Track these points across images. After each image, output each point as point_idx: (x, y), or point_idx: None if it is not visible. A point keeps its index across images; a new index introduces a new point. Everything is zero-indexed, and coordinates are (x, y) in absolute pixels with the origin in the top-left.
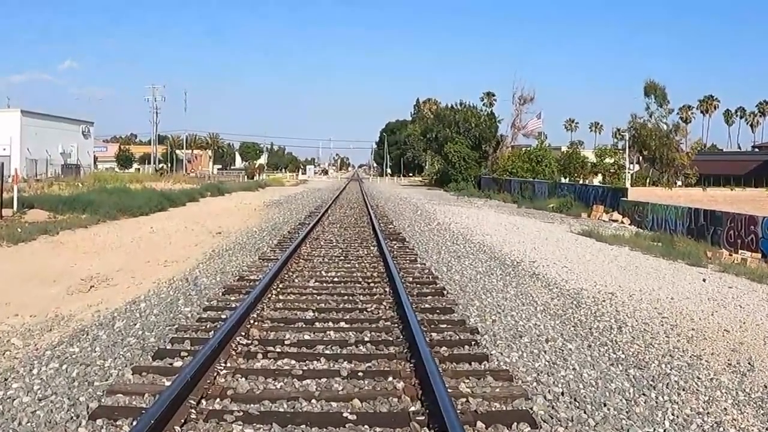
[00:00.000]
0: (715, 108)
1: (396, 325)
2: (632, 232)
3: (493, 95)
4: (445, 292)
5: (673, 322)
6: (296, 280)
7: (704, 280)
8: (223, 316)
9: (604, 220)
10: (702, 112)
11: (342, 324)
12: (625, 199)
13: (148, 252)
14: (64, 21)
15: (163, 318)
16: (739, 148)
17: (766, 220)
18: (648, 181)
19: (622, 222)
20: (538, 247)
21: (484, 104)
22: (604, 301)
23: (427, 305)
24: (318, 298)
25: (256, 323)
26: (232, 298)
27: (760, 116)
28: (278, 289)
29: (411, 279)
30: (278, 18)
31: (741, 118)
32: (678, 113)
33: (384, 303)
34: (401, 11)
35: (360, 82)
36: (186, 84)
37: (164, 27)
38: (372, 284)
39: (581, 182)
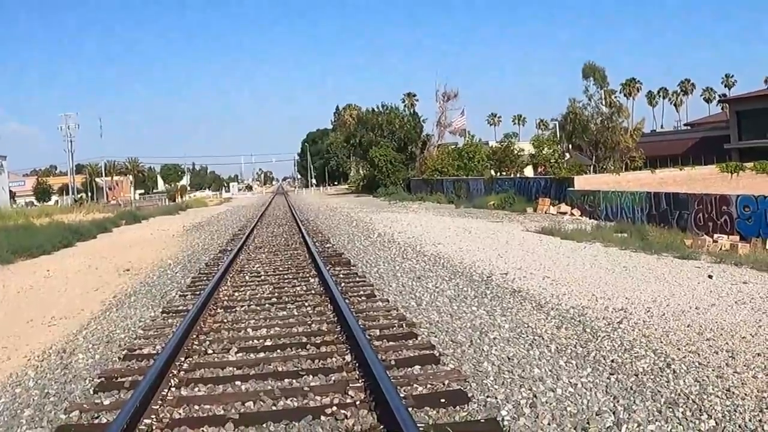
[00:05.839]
0: (638, 90)
1: None
2: (592, 225)
3: (414, 95)
4: (437, 354)
5: (725, 345)
6: (210, 351)
7: (710, 277)
8: None
9: (552, 214)
10: (625, 95)
11: None
12: (572, 189)
13: (35, 304)
14: None
15: None
16: (662, 127)
17: (740, 199)
18: (592, 168)
19: (572, 214)
20: (503, 254)
21: (405, 105)
22: (620, 322)
23: (420, 387)
24: (242, 388)
25: None
26: (107, 403)
27: (683, 95)
28: (180, 374)
29: (378, 332)
30: (190, 31)
31: (664, 98)
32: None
33: (350, 391)
34: (314, 19)
35: (278, 94)
36: (100, 110)
37: (74, 52)
38: (323, 348)
39: (517, 176)
